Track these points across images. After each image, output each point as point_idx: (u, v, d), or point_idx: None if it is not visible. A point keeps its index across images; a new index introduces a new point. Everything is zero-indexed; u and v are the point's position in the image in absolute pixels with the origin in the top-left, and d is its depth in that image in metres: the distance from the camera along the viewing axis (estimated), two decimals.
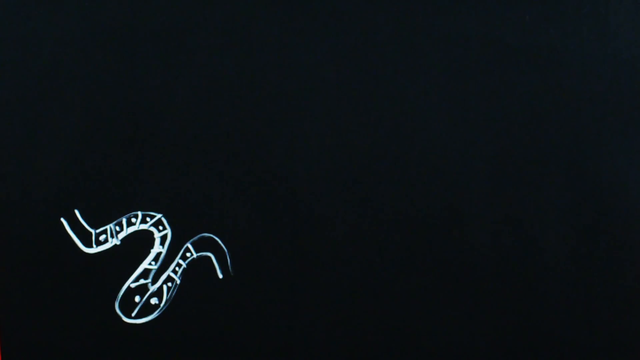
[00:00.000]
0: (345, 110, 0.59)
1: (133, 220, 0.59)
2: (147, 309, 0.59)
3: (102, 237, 0.58)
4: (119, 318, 0.59)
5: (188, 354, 0.59)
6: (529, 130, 0.59)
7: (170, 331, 0.59)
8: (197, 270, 0.59)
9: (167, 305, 0.59)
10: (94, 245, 0.58)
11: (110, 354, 0.59)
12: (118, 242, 0.59)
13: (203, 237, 0.59)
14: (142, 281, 0.59)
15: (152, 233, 0.59)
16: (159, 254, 0.59)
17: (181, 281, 0.59)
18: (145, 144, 0.59)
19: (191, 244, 0.59)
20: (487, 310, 0.59)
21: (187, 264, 0.59)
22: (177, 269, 0.59)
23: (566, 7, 0.59)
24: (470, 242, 0.59)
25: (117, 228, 0.59)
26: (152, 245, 0.59)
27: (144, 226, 0.59)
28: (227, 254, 0.59)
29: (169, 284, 0.59)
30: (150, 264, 0.59)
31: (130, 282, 0.58)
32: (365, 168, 0.59)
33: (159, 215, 0.59)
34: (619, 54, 0.59)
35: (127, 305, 0.59)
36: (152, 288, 0.59)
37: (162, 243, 0.59)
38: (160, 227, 0.59)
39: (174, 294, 0.59)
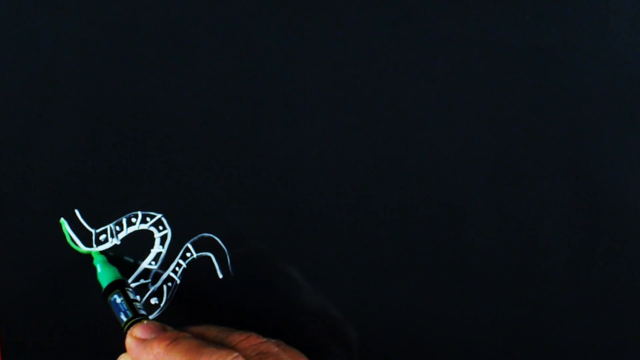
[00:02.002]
0: (345, 110, 0.59)
1: (133, 220, 0.59)
2: (147, 309, 0.59)
3: (102, 237, 0.58)
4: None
5: None
6: (529, 130, 0.59)
7: None
8: (197, 270, 0.59)
9: (167, 305, 0.59)
10: (94, 245, 0.58)
11: (111, 354, 0.59)
12: (118, 242, 0.59)
13: (203, 237, 0.59)
14: (142, 281, 0.59)
15: (152, 233, 0.59)
16: (159, 254, 0.59)
17: (181, 281, 0.59)
18: (145, 144, 0.59)
19: (191, 244, 0.59)
20: (486, 309, 0.59)
21: (187, 264, 0.59)
22: (177, 269, 0.59)
23: (566, 7, 0.59)
24: (469, 242, 0.59)
25: (117, 228, 0.59)
26: (152, 245, 0.59)
27: (144, 226, 0.59)
28: (227, 254, 0.59)
29: (169, 284, 0.59)
30: (150, 264, 0.59)
31: (130, 282, 0.58)
32: (366, 168, 0.59)
33: (159, 215, 0.59)
34: (619, 54, 0.59)
35: None
36: (152, 288, 0.59)
37: (162, 243, 0.59)
38: (160, 227, 0.59)
39: (174, 294, 0.59)
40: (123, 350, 0.52)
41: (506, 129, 0.59)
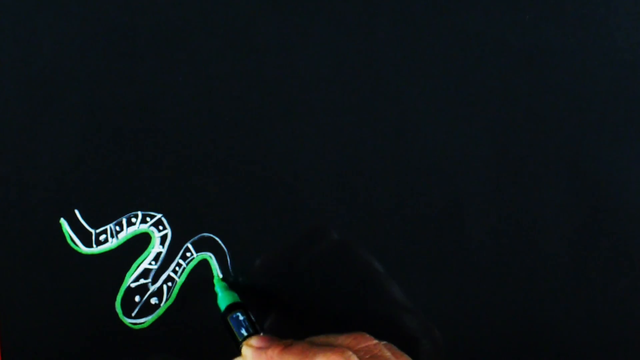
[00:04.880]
0: (345, 110, 0.59)
1: (133, 220, 0.59)
2: (147, 308, 0.59)
3: (102, 237, 0.58)
4: (119, 318, 0.59)
5: (188, 354, 0.59)
6: (528, 130, 0.59)
7: (170, 331, 0.59)
8: (197, 270, 0.59)
9: (167, 305, 0.59)
10: (94, 245, 0.58)
11: (110, 354, 0.59)
12: (118, 242, 0.59)
13: (203, 237, 0.59)
14: (142, 281, 0.59)
15: (151, 233, 0.59)
16: (159, 254, 0.59)
17: (181, 281, 0.59)
18: (145, 144, 0.59)
19: (191, 244, 0.59)
20: (485, 308, 0.59)
21: (187, 264, 0.59)
22: (177, 268, 0.59)
23: (566, 7, 0.59)
24: (469, 242, 0.59)
25: (117, 228, 0.59)
26: (152, 245, 0.59)
27: (144, 226, 0.59)
28: (227, 254, 0.59)
29: (169, 284, 0.59)
30: (150, 264, 0.59)
31: (130, 282, 0.58)
32: (366, 168, 0.59)
33: (159, 215, 0.59)
34: (619, 54, 0.59)
35: (127, 305, 0.59)
36: (152, 288, 0.59)
37: (162, 243, 0.59)
38: (160, 227, 0.59)
39: (174, 294, 0.59)
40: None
41: (506, 128, 0.59)
